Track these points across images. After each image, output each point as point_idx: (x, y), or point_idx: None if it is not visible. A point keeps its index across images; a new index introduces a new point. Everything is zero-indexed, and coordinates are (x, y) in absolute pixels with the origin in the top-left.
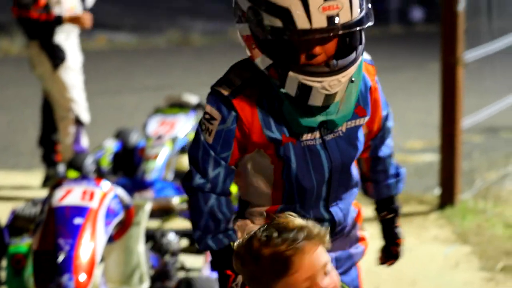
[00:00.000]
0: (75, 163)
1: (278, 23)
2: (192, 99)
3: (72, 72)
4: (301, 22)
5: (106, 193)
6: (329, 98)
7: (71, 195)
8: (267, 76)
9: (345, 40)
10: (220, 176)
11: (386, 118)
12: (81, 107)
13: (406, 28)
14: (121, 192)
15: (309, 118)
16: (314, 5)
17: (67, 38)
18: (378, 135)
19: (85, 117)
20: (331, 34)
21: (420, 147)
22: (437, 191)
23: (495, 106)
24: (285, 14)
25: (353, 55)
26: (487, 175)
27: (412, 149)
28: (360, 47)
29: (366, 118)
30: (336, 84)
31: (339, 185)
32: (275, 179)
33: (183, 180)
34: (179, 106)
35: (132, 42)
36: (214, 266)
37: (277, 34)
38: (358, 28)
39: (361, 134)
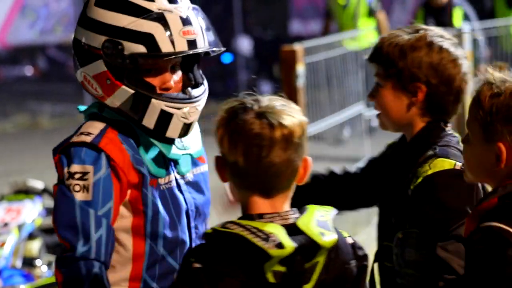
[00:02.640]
0: None
1: (141, 49)
2: (38, 184)
3: None
4: (165, 46)
5: None
6: (187, 129)
7: None
8: (123, 115)
9: (193, 72)
10: (103, 239)
11: None
12: None
13: None
14: None
15: (173, 152)
16: (175, 30)
17: None
18: None
19: None
20: (192, 53)
21: None
22: None
23: None
24: (149, 39)
25: (203, 87)
26: None
27: None
28: (205, 82)
29: (206, 166)
30: (194, 112)
31: (198, 233)
32: (135, 234)
33: (59, 259)
34: (24, 192)
35: None
36: None
37: (141, 60)
38: (221, 49)
39: (207, 182)
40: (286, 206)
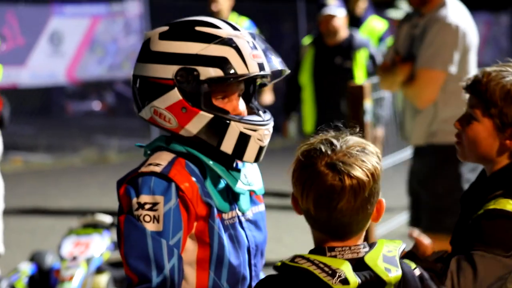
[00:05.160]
0: None
1: (217, 72)
2: (106, 218)
3: None
4: (240, 68)
5: None
6: (260, 153)
7: None
8: (196, 144)
9: (252, 102)
10: (175, 268)
11: None
12: None
13: None
14: None
15: (239, 186)
16: (246, 53)
17: None
18: None
19: (0, 248)
20: (268, 76)
21: None
22: None
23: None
24: (224, 62)
25: (268, 113)
26: None
27: None
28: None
29: (263, 205)
30: (266, 135)
31: (257, 272)
32: (199, 267)
33: None
34: (93, 226)
35: (48, 163)
36: None
37: (216, 85)
38: (287, 70)
39: (264, 221)
40: (359, 241)
